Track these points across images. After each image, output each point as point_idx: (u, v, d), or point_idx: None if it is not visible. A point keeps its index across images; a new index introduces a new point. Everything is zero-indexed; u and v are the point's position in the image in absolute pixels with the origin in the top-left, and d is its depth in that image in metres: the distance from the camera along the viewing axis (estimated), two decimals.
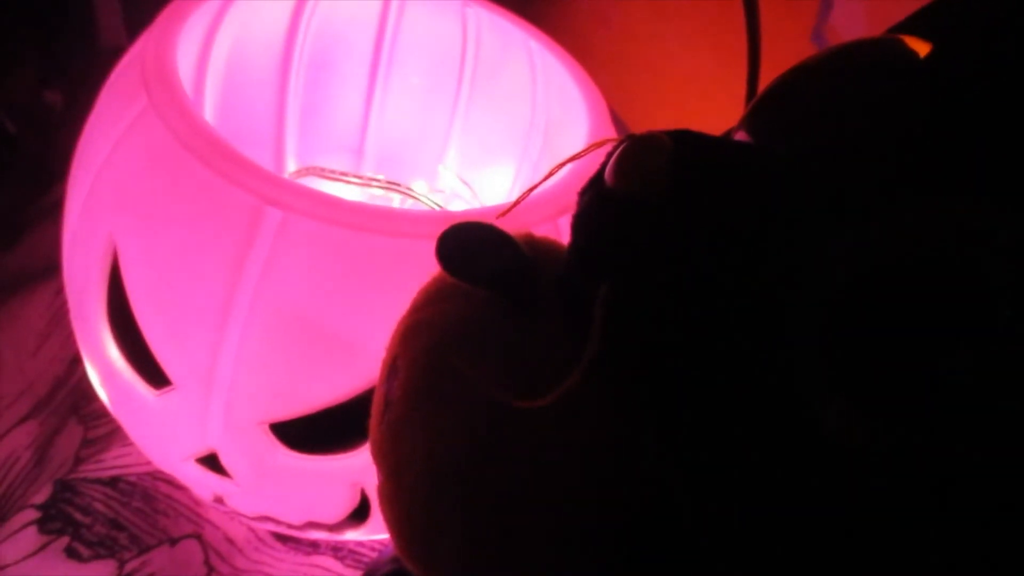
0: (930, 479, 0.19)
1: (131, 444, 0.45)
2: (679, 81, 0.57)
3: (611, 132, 0.40)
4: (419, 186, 0.48)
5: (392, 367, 0.26)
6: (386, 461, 0.25)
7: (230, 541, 0.44)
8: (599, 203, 0.23)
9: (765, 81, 0.47)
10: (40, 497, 0.44)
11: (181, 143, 0.30)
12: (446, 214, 0.40)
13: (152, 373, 0.34)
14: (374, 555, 0.45)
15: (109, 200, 0.33)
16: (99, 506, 0.44)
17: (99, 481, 0.45)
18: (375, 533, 0.40)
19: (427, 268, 0.27)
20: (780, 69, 0.27)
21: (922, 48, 0.24)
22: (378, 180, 0.45)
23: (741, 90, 0.48)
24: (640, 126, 0.58)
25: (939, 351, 0.19)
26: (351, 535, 0.40)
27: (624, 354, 0.21)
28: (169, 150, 0.30)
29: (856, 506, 0.20)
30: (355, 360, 0.31)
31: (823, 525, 0.20)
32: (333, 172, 0.45)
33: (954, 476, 0.19)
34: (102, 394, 0.38)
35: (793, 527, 0.21)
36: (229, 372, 0.32)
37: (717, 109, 0.51)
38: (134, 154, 0.32)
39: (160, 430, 0.36)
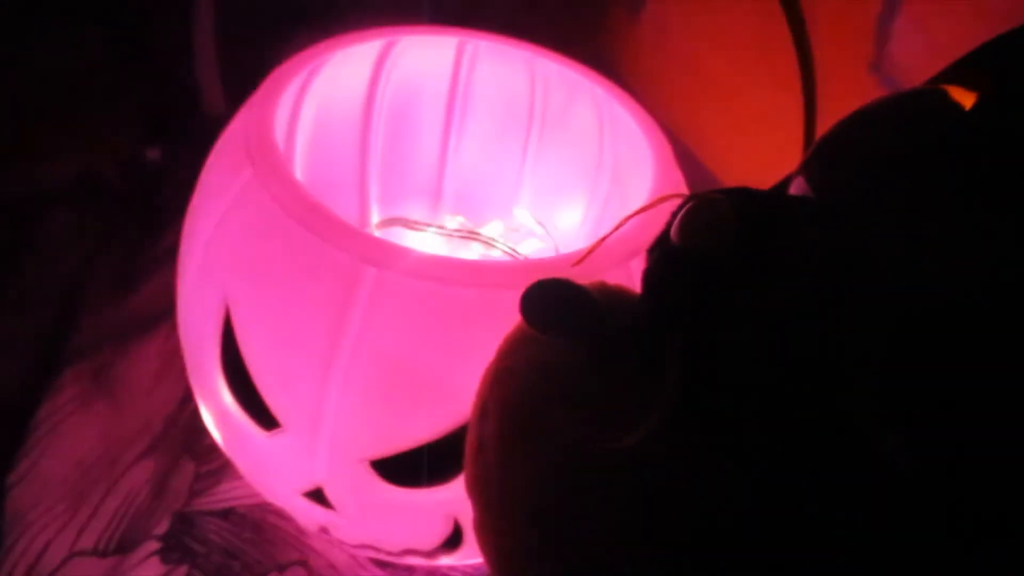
0: (978, 505, 0.20)
1: (240, 478, 0.49)
2: (740, 104, 0.58)
3: (675, 170, 0.42)
4: (495, 226, 0.51)
5: (483, 411, 0.28)
6: (482, 497, 0.28)
7: (333, 567, 0.47)
8: (667, 260, 0.25)
9: (822, 108, 0.48)
10: (161, 528, 0.47)
11: (285, 211, 0.34)
12: (525, 264, 0.42)
13: (262, 416, 0.37)
14: None
15: (221, 263, 0.36)
16: (214, 536, 0.47)
17: (212, 513, 0.48)
18: (467, 559, 0.42)
19: (510, 314, 0.29)
20: (838, 99, 0.29)
21: (966, 99, 0.26)
22: (457, 230, 0.48)
23: (799, 111, 0.49)
24: (702, 149, 0.60)
25: (986, 393, 0.21)
26: (445, 560, 0.42)
27: (697, 398, 0.23)
28: (274, 217, 0.34)
29: (913, 531, 0.21)
30: (447, 401, 0.34)
31: (885, 551, 0.22)
32: (417, 223, 0.49)
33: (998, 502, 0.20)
34: (216, 435, 0.42)
35: (860, 555, 0.22)
36: (333, 415, 0.35)
37: (778, 137, 0.53)
38: (242, 221, 0.35)
39: (270, 467, 0.39)
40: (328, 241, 0.33)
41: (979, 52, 0.30)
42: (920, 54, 0.43)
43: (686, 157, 0.57)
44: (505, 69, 0.47)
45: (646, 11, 0.64)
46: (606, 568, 0.24)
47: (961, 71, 0.30)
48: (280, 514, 0.48)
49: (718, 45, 0.59)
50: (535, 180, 0.51)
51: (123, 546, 0.47)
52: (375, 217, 0.51)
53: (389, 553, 0.42)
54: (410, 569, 0.47)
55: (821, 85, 0.48)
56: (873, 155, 0.25)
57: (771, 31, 0.53)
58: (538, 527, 0.25)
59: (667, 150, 0.42)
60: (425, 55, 0.47)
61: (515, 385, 0.28)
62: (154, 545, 0.47)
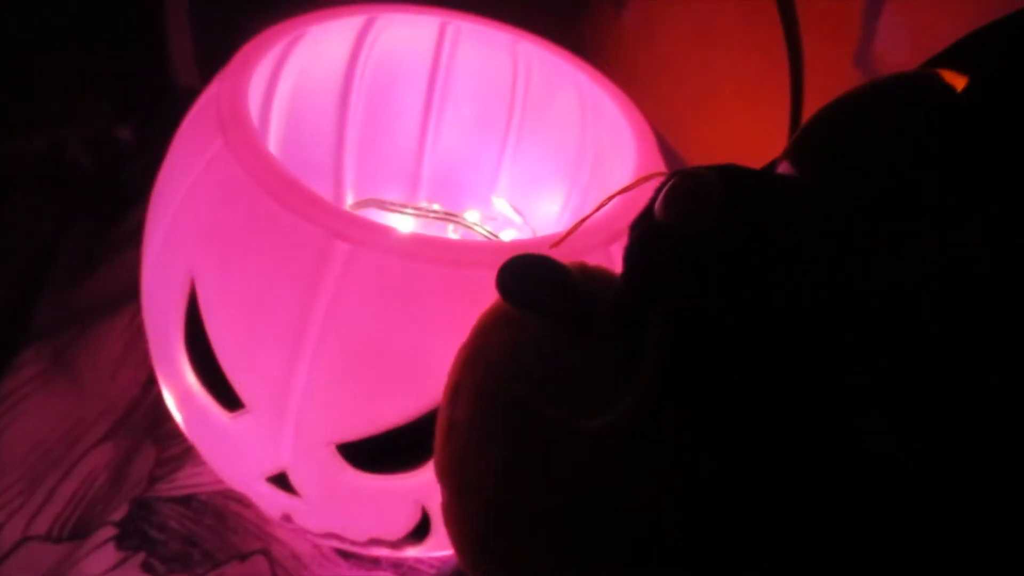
0: (962, 492, 0.20)
1: (203, 464, 0.48)
2: (724, 102, 0.58)
3: (658, 161, 0.42)
4: (472, 214, 0.50)
5: (455, 391, 0.28)
6: (451, 480, 0.27)
7: (296, 557, 0.46)
8: (650, 236, 0.24)
9: (808, 105, 0.48)
10: (118, 515, 0.46)
11: (256, 182, 0.32)
12: (503, 244, 0.41)
13: (226, 397, 0.36)
14: (432, 572, 0.46)
15: (188, 235, 0.35)
16: (173, 523, 0.46)
17: (173, 499, 0.47)
18: (434, 550, 0.41)
19: (485, 295, 0.28)
20: (823, 92, 0.28)
21: (958, 81, 0.25)
22: (434, 211, 0.47)
23: (786, 113, 0.49)
24: (686, 146, 0.60)
25: (972, 376, 0.20)
26: (411, 552, 0.41)
27: (677, 377, 0.23)
28: (244, 189, 0.33)
29: (893, 518, 0.21)
30: (418, 383, 0.33)
31: (865, 539, 0.21)
32: (392, 204, 0.47)
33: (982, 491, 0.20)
34: (178, 417, 0.41)
35: (838, 542, 0.22)
36: (300, 395, 0.33)
37: (762, 131, 0.52)
38: (211, 192, 0.34)
39: (233, 451, 0.38)
40: (300, 215, 0.32)
41: (963, 42, 0.30)
42: (905, 50, 0.43)
43: (668, 154, 0.57)
44: (487, 52, 0.47)
45: (630, 5, 0.63)
46: (578, 551, 0.23)
47: (946, 60, 0.29)
48: (243, 502, 0.47)
49: (702, 40, 0.59)
50: (515, 167, 0.50)
51: (78, 532, 0.46)
52: (349, 199, 0.50)
53: (354, 543, 0.41)
54: (376, 560, 0.46)
55: (806, 80, 0.47)
56: (864, 135, 0.25)
57: (756, 26, 0.53)
58: (509, 508, 0.24)
59: (650, 139, 0.42)
60: (406, 34, 0.46)
61: (488, 365, 0.27)
62: (111, 531, 0.45)
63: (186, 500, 0.47)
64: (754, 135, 0.54)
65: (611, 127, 0.44)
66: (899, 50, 0.43)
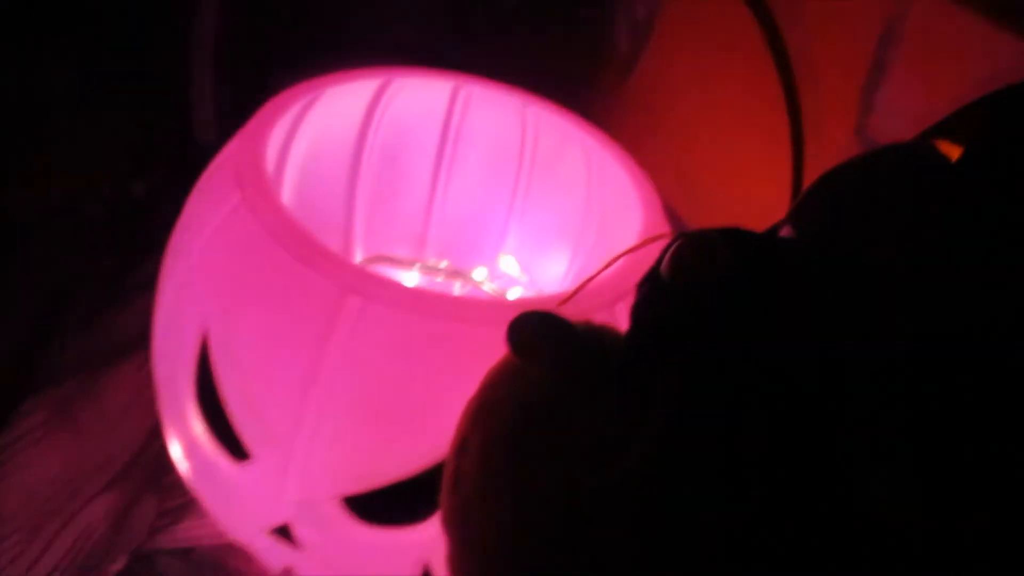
0: (967, 547, 0.20)
1: (204, 517, 0.48)
2: (727, 171, 0.59)
3: (663, 224, 0.42)
4: (479, 272, 0.51)
5: (463, 444, 0.28)
6: (457, 532, 0.27)
7: None
8: (656, 295, 0.25)
9: (809, 174, 0.49)
10: (117, 566, 0.46)
11: (272, 236, 0.33)
12: (510, 302, 0.42)
13: (233, 447, 0.36)
14: None
15: (203, 286, 0.36)
16: None
17: (172, 552, 0.47)
18: None
19: (491, 352, 0.29)
20: (824, 162, 0.29)
21: (953, 151, 0.26)
22: (441, 268, 0.48)
23: (788, 183, 0.50)
24: (690, 213, 0.61)
25: (979, 431, 0.21)
26: None
27: (683, 433, 0.23)
28: (260, 243, 0.34)
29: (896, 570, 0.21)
30: (424, 438, 0.33)
31: None
32: (401, 260, 0.48)
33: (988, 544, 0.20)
34: (183, 465, 0.41)
35: None
36: (306, 447, 0.34)
37: (765, 201, 0.54)
38: (227, 245, 0.35)
39: (237, 501, 0.38)
40: (313, 268, 0.33)
41: (956, 115, 0.31)
42: (901, 122, 0.44)
43: (673, 220, 0.58)
44: (498, 114, 0.48)
45: (636, 73, 0.65)
46: None
47: (941, 131, 0.30)
48: (243, 556, 0.47)
49: (706, 111, 0.61)
50: (521, 228, 0.51)
51: None
52: (359, 256, 0.51)
53: None
54: None
55: (807, 151, 0.48)
56: (863, 201, 0.26)
57: (759, 98, 0.54)
58: (513, 562, 0.25)
59: (656, 202, 0.43)
60: (419, 96, 0.47)
61: (497, 418, 0.27)
62: None
63: (185, 553, 0.47)
64: (756, 204, 0.55)
65: (617, 190, 0.45)
66: (896, 122, 0.44)
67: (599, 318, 0.33)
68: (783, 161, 0.49)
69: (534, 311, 0.27)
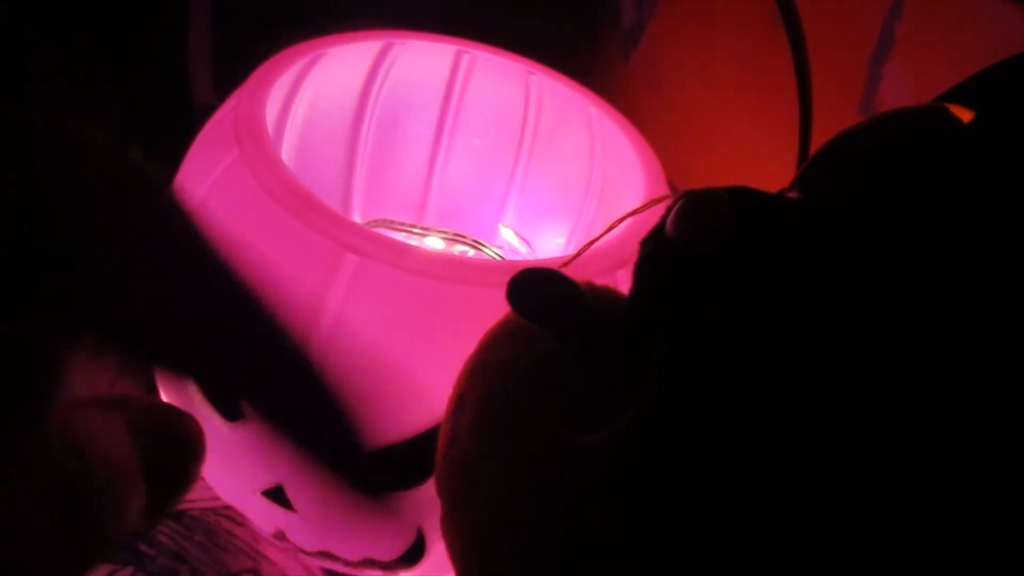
0: (970, 514, 0.20)
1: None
2: (731, 146, 0.59)
3: (666, 194, 0.42)
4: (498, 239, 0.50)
5: (459, 403, 0.28)
6: (450, 492, 0.27)
7: None
8: (659, 253, 0.25)
9: (816, 148, 0.49)
10: None
11: (268, 192, 0.33)
12: (512, 263, 0.42)
13: (225, 408, 0.36)
14: None
15: None
16: (163, 539, 0.45)
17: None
18: (426, 575, 0.41)
19: (492, 314, 0.28)
20: (830, 136, 0.29)
21: (965, 115, 0.26)
22: (444, 231, 0.48)
23: (791, 160, 0.49)
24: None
25: (981, 394, 0.20)
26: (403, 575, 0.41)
27: (680, 394, 0.23)
28: (257, 199, 0.33)
29: (901, 543, 0.21)
30: (420, 400, 0.33)
31: (870, 560, 0.21)
32: (400, 223, 0.48)
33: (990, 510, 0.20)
34: None
35: (838, 565, 0.22)
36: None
37: (768, 178, 0.53)
38: (223, 202, 0.34)
39: (230, 461, 0.38)
40: (309, 226, 0.32)
41: (969, 81, 0.31)
42: (908, 96, 0.44)
43: (675, 193, 0.57)
44: (501, 81, 0.47)
45: (640, 46, 0.65)
46: (576, 564, 0.23)
47: (953, 97, 0.30)
48: (235, 520, 0.46)
49: (710, 85, 0.60)
50: (522, 199, 0.51)
51: None
52: (357, 220, 0.50)
53: (347, 563, 0.40)
54: None
55: (813, 123, 0.48)
56: (872, 163, 0.25)
57: (763, 72, 0.54)
58: (507, 519, 0.24)
59: (659, 173, 0.42)
60: (422, 60, 0.47)
61: (494, 378, 0.27)
62: None
63: (177, 516, 0.46)
64: (761, 180, 0.54)
65: (620, 160, 0.44)
66: (904, 95, 0.43)
67: (600, 284, 0.33)
68: (788, 137, 0.49)
69: (536, 268, 0.26)
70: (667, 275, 0.24)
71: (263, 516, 0.39)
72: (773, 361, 0.23)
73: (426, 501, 0.35)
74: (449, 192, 0.52)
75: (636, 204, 0.41)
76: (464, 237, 0.49)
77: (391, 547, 0.38)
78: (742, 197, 0.24)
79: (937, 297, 0.22)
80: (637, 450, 0.23)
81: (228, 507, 0.46)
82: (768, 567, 0.22)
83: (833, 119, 0.47)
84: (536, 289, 0.26)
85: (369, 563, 0.40)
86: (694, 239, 0.24)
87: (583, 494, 0.24)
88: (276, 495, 0.37)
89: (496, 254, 0.48)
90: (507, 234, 0.50)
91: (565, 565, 0.24)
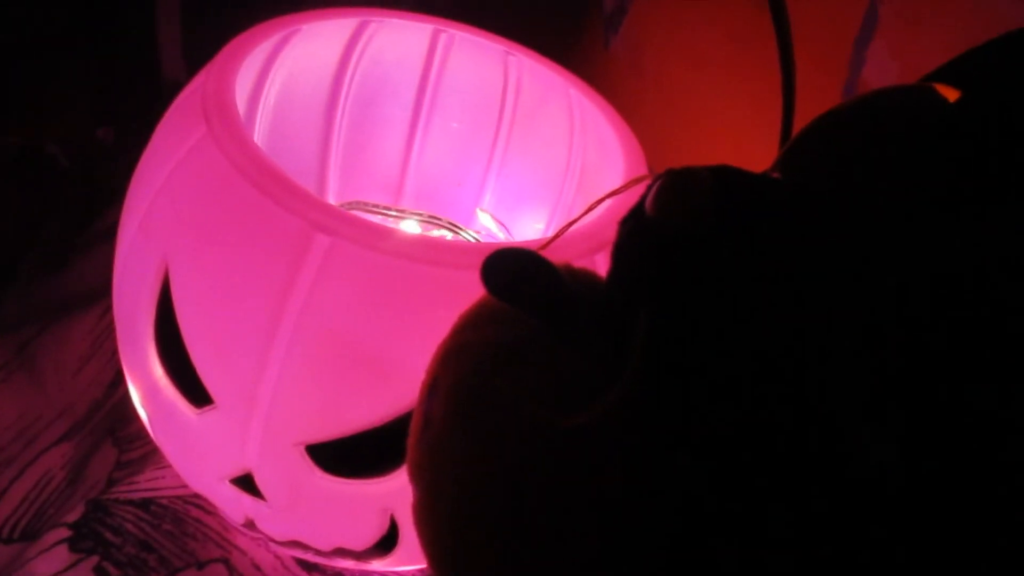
0: (958, 506, 0.19)
1: (164, 467, 0.46)
2: (712, 132, 0.58)
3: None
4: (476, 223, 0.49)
5: (433, 386, 0.27)
6: (424, 478, 0.26)
7: (256, 567, 0.44)
8: (639, 232, 0.24)
9: (798, 127, 0.48)
10: (73, 516, 0.44)
11: (237, 170, 0.32)
12: (488, 245, 0.41)
13: (194, 392, 0.35)
14: None
15: (165, 222, 0.34)
16: (130, 527, 0.44)
17: (131, 503, 0.45)
18: (400, 564, 0.40)
19: (467, 297, 0.28)
20: (812, 116, 0.28)
21: (952, 95, 0.25)
22: (420, 214, 0.47)
23: (775, 142, 0.49)
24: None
25: (970, 382, 0.20)
26: (377, 565, 0.40)
27: (662, 375, 0.22)
28: (225, 176, 0.32)
29: (883, 530, 0.20)
30: (393, 385, 0.32)
31: (852, 548, 0.20)
32: (375, 206, 0.47)
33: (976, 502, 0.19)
34: (142, 412, 0.39)
35: (822, 550, 0.21)
36: (270, 392, 0.32)
37: (751, 160, 0.53)
38: (191, 179, 0.33)
39: (198, 449, 0.37)
40: (280, 204, 0.31)
41: (956, 61, 0.30)
42: (893, 77, 0.43)
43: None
44: (479, 61, 0.46)
45: (622, 29, 0.64)
46: (552, 550, 0.22)
47: (939, 77, 0.29)
48: (204, 508, 0.45)
49: (692, 65, 0.59)
50: (500, 182, 0.50)
51: (30, 533, 0.44)
52: (332, 202, 0.49)
53: (318, 552, 0.39)
54: (338, 574, 0.44)
55: (796, 105, 0.47)
56: (857, 142, 0.25)
57: (749, 52, 0.53)
58: (482, 506, 0.24)
59: (640, 156, 0.41)
60: (399, 39, 0.46)
61: (469, 359, 0.26)
62: (64, 533, 0.44)
63: (145, 504, 0.45)
64: (743, 162, 0.54)
65: (600, 143, 0.44)
66: (888, 76, 0.43)
67: (579, 266, 0.32)
68: (772, 119, 0.48)
69: (512, 248, 0.25)
70: (648, 254, 0.23)
71: (232, 505, 0.38)
72: (756, 340, 0.22)
73: (398, 488, 0.34)
74: (426, 174, 0.51)
75: (617, 186, 0.40)
76: (441, 220, 0.48)
77: (363, 536, 0.37)
78: (724, 175, 0.23)
79: (922, 275, 0.22)
80: (620, 431, 0.22)
81: (197, 495, 0.45)
82: (751, 549, 0.21)
83: (817, 102, 0.46)
84: (511, 269, 0.25)
85: (341, 552, 0.39)
86: (675, 217, 0.23)
87: (562, 476, 0.23)
88: (245, 483, 0.36)
89: (473, 238, 0.47)
90: (485, 219, 0.50)
91: (541, 548, 0.23)
